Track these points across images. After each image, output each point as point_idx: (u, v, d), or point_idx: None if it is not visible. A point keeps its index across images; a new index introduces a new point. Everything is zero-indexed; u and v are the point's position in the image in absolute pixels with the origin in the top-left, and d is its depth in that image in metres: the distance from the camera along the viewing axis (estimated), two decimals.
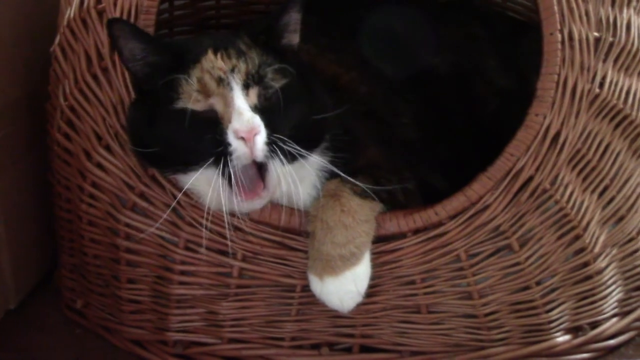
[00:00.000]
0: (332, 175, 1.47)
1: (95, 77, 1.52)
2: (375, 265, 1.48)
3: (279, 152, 1.35)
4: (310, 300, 1.49)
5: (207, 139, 1.35)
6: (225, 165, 1.34)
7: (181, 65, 1.37)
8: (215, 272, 1.52)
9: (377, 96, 1.67)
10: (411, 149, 1.64)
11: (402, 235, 1.48)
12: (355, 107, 1.59)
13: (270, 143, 1.34)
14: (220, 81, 1.35)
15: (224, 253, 1.50)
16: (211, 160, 1.35)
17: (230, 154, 1.33)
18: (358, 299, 1.45)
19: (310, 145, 1.42)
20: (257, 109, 1.35)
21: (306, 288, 1.48)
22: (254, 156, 1.34)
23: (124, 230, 1.54)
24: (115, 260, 1.58)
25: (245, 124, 1.33)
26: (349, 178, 1.43)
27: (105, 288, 1.63)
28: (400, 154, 1.59)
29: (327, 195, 1.44)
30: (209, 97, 1.35)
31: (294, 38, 1.44)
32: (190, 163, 1.37)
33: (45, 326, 1.72)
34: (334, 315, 1.51)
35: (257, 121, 1.34)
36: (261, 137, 1.33)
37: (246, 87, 1.35)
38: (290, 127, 1.37)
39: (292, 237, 1.48)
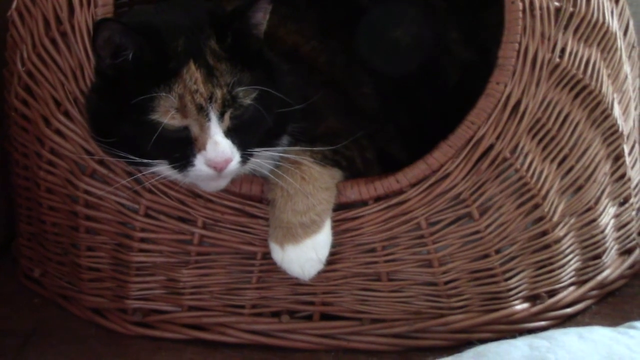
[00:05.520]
0: (291, 143, 1.47)
1: (53, 41, 1.50)
2: (336, 232, 1.48)
3: (247, 162, 1.37)
4: (271, 268, 1.49)
5: (175, 151, 1.35)
6: (187, 171, 1.35)
7: (162, 72, 1.34)
8: (175, 240, 1.51)
9: (337, 66, 1.66)
10: (371, 118, 1.65)
11: (363, 203, 1.49)
12: (315, 76, 1.59)
13: (241, 159, 1.35)
14: (200, 109, 1.33)
15: (184, 220, 1.50)
16: (174, 165, 1.36)
17: (194, 167, 1.34)
18: (319, 266, 1.46)
19: (277, 137, 1.43)
20: (230, 130, 1.35)
21: (267, 256, 1.48)
22: (221, 176, 1.36)
23: (83, 198, 1.53)
24: (74, 227, 1.57)
25: (221, 154, 1.33)
26: (308, 147, 1.43)
27: (64, 256, 1.61)
28: (359, 123, 1.59)
29: (287, 163, 1.44)
30: (186, 118, 1.34)
31: (262, 30, 1.41)
32: (152, 165, 1.37)
33: (2, 296, 1.70)
34: (295, 283, 1.51)
35: (232, 151, 1.34)
36: (234, 163, 1.34)
37: (222, 114, 1.34)
38: (260, 136, 1.39)
39: (253, 205, 1.48)
